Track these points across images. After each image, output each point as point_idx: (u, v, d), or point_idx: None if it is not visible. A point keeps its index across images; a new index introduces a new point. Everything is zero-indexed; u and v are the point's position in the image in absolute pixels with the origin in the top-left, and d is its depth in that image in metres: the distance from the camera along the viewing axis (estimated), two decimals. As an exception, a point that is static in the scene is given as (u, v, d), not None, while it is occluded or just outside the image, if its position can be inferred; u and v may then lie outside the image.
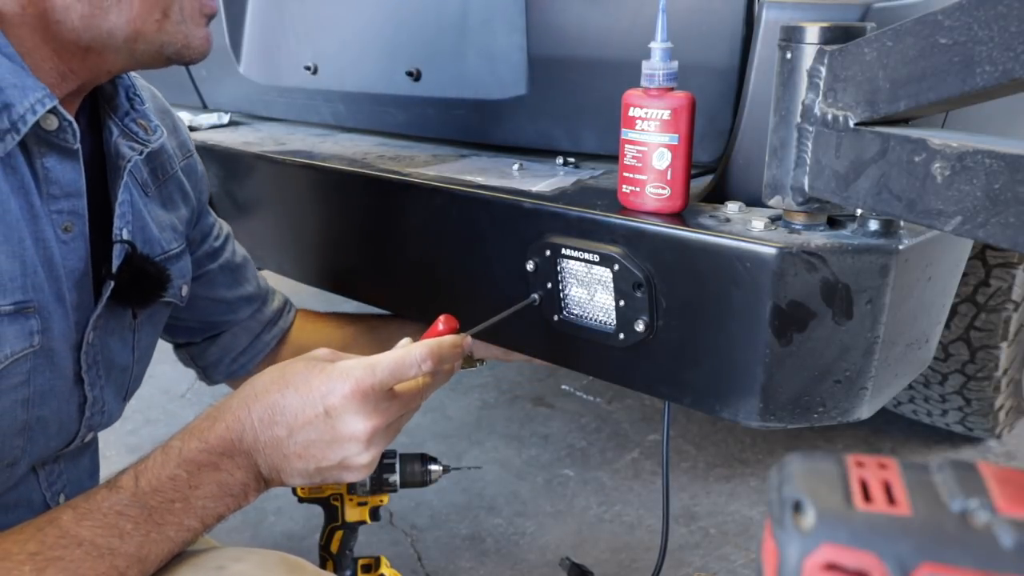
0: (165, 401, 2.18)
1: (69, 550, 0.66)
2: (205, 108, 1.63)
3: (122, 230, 0.82)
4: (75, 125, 0.73)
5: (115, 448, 2.00)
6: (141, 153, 0.84)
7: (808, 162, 0.69)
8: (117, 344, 0.86)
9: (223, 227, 1.12)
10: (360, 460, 0.75)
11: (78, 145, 0.74)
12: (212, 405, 0.78)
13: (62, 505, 0.71)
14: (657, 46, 0.76)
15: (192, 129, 1.45)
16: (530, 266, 0.89)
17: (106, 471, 0.76)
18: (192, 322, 1.09)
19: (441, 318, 0.83)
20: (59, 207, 0.75)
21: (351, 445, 0.74)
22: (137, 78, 0.94)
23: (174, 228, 0.94)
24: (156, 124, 0.86)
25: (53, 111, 0.71)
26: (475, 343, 1.12)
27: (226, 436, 0.74)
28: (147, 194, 0.90)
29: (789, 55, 0.68)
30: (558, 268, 0.87)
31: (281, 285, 1.24)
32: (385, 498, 1.25)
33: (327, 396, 0.73)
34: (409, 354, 0.74)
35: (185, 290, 0.96)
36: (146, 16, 0.73)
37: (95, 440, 0.95)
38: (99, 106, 0.84)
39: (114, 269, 0.80)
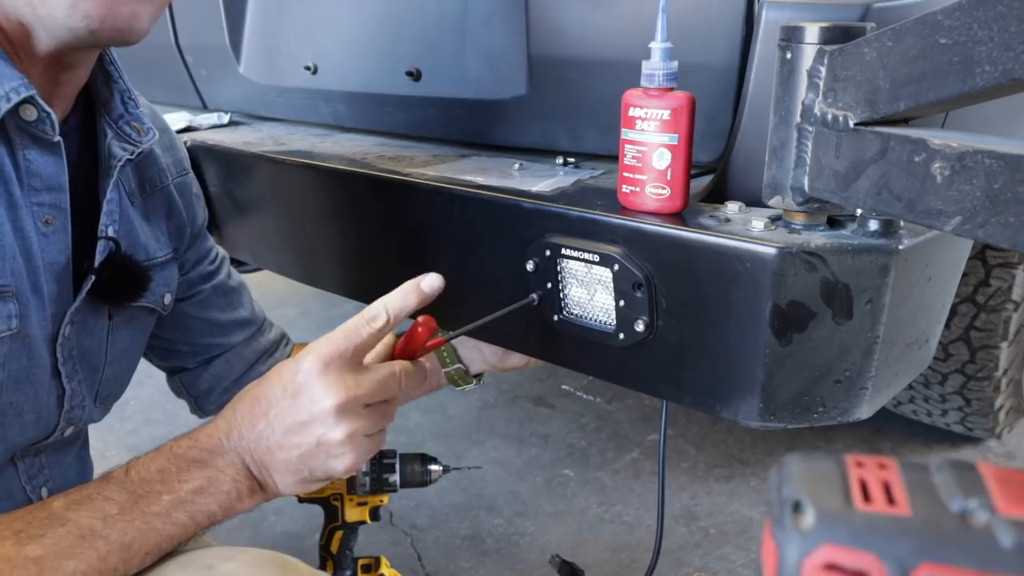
0: (165, 401, 2.18)
1: (53, 529, 0.68)
2: (205, 108, 1.64)
3: (108, 227, 0.83)
4: (54, 116, 0.74)
5: (115, 448, 2.00)
6: (133, 153, 0.85)
7: (808, 162, 0.69)
8: (94, 343, 0.86)
9: (219, 252, 1.13)
10: (333, 436, 0.74)
11: (58, 137, 0.75)
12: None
13: (58, 494, 0.72)
14: (657, 46, 0.76)
15: (192, 129, 1.45)
16: (530, 266, 0.89)
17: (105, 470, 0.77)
18: (184, 345, 1.09)
19: (420, 320, 0.83)
20: (40, 200, 0.76)
21: (324, 420, 0.74)
22: (140, 97, 0.95)
23: (157, 239, 0.95)
24: (149, 126, 0.88)
25: (31, 101, 0.71)
26: (470, 352, 1.12)
27: (214, 434, 0.77)
28: (133, 203, 0.91)
29: (789, 55, 0.68)
30: (558, 268, 0.87)
31: (282, 285, 1.23)
32: (385, 498, 1.26)
33: (295, 376, 0.75)
34: (358, 315, 0.77)
35: (168, 299, 0.97)
36: None
37: (82, 439, 0.96)
38: (95, 110, 0.85)
39: (96, 264, 0.82)
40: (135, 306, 0.90)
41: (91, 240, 0.82)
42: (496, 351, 1.10)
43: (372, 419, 0.76)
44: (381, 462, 1.20)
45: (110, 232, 0.83)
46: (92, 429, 1.00)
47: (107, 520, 0.69)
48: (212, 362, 1.11)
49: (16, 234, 0.73)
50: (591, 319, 0.87)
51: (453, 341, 1.10)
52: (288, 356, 1.18)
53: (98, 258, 0.82)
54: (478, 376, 1.15)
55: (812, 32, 0.67)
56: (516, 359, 1.11)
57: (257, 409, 0.76)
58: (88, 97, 0.84)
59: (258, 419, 0.76)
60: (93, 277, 0.81)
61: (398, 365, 0.79)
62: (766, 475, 1.83)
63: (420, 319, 0.83)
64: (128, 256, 0.86)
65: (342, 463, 0.76)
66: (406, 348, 0.84)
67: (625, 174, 0.81)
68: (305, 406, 0.74)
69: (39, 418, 0.81)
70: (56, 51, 0.74)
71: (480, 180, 0.98)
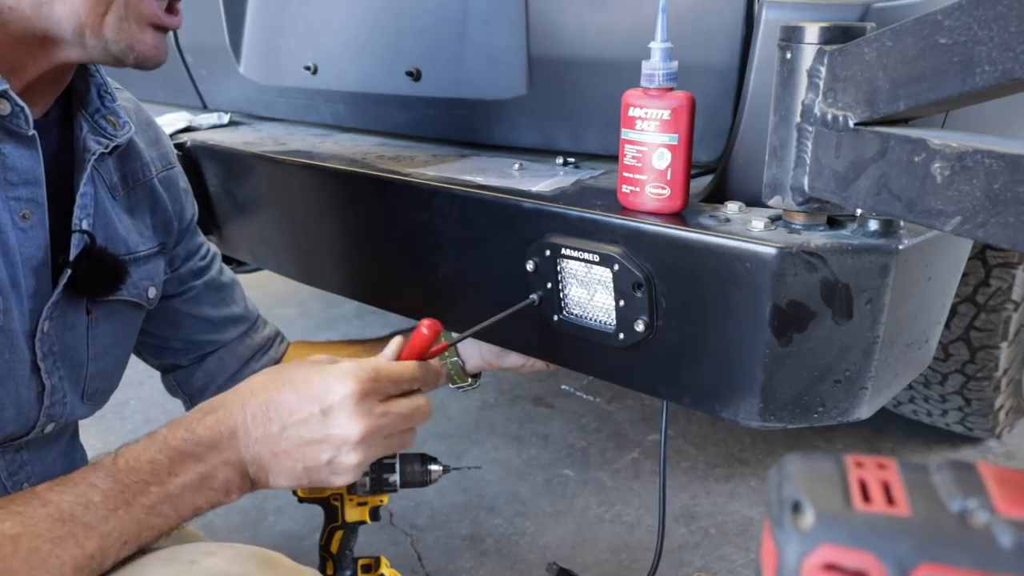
0: (165, 401, 2.17)
1: (33, 508, 0.68)
2: (205, 108, 1.64)
3: (82, 220, 0.83)
4: (27, 111, 0.74)
5: (115, 448, 2.00)
6: (107, 147, 0.85)
7: (808, 162, 0.69)
8: (75, 339, 0.86)
9: (211, 248, 1.13)
10: (348, 461, 0.76)
11: (33, 131, 0.75)
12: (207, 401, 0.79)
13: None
14: (657, 46, 0.76)
15: (192, 129, 1.45)
16: (530, 266, 0.89)
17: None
18: (176, 342, 1.08)
19: (425, 322, 0.83)
20: (17, 194, 0.76)
21: (342, 446, 0.75)
22: (123, 91, 0.96)
23: (141, 233, 0.95)
24: (125, 120, 0.88)
25: (5, 95, 0.72)
26: (468, 348, 1.13)
27: (216, 429, 0.76)
28: (115, 197, 0.91)
29: (789, 55, 0.68)
30: (558, 268, 0.87)
31: (281, 285, 1.23)
32: (385, 498, 1.25)
33: (326, 394, 0.75)
34: (407, 368, 0.80)
35: (153, 293, 0.96)
36: (89, 10, 0.73)
37: (68, 436, 0.95)
38: (72, 104, 0.85)
39: (71, 258, 0.81)
40: (115, 300, 0.90)
41: (68, 234, 0.82)
42: (494, 349, 1.10)
43: (387, 448, 0.79)
44: (381, 462, 1.20)
45: (84, 225, 0.83)
46: (93, 429, 0.99)
47: (89, 507, 0.69)
48: (206, 359, 1.11)
49: None
50: (591, 319, 0.87)
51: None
52: (283, 355, 1.17)
53: (73, 251, 0.82)
54: (475, 376, 1.15)
55: (812, 32, 0.67)
56: (513, 359, 1.11)
57: (272, 412, 0.76)
58: (67, 91, 0.85)
59: (272, 422, 0.76)
60: (69, 271, 0.81)
61: (423, 400, 0.82)
62: (766, 475, 1.83)
63: (426, 321, 0.83)
64: (103, 249, 0.86)
65: (342, 480, 0.78)
66: (412, 350, 0.84)
67: (625, 174, 0.81)
68: (330, 427, 0.75)
69: (19, 413, 0.81)
70: (76, 62, 0.77)
71: (480, 180, 0.98)
